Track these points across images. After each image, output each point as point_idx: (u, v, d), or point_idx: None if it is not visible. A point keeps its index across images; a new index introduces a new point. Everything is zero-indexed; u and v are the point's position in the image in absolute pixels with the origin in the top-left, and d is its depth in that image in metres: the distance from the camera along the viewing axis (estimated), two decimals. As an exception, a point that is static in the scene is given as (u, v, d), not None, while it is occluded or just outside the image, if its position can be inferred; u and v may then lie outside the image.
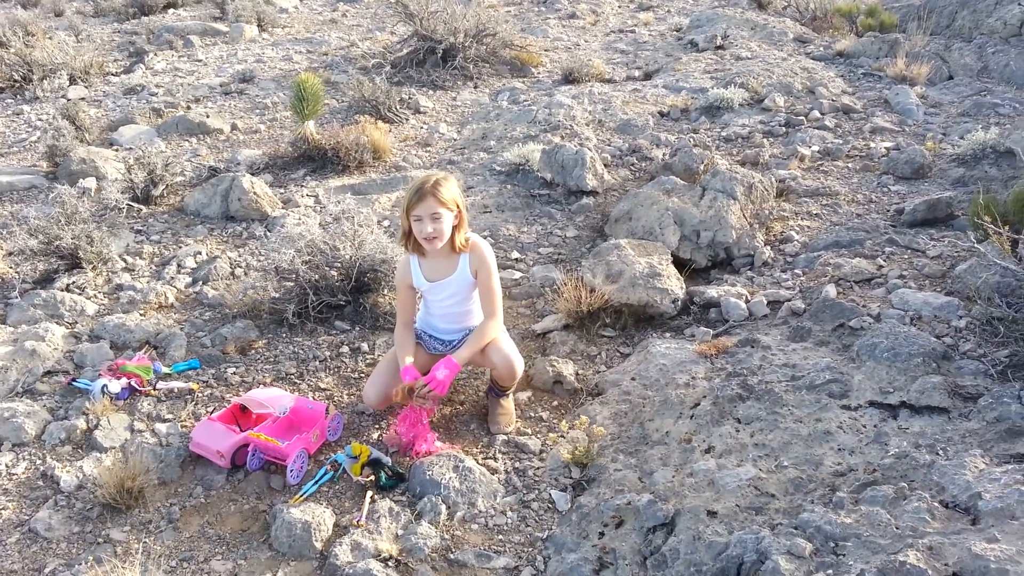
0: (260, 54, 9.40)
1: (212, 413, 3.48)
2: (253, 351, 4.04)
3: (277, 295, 4.33)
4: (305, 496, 3.07)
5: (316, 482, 3.14)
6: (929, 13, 9.13)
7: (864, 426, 2.95)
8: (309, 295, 4.17)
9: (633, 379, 3.65)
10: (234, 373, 3.86)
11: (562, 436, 3.38)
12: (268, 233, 5.11)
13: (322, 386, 3.79)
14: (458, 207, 3.26)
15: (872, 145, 6.03)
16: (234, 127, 7.14)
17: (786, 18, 10.31)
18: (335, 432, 3.43)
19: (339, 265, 4.27)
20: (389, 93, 7.23)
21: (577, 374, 3.83)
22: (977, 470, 2.52)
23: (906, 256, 4.26)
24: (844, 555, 2.27)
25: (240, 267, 4.81)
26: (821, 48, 8.93)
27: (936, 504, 2.41)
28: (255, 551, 2.87)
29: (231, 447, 3.19)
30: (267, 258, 4.58)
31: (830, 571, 2.21)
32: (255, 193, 5.41)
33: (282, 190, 5.81)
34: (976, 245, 3.60)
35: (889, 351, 3.26)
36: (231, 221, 5.40)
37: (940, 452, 2.71)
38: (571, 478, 3.18)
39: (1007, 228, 3.42)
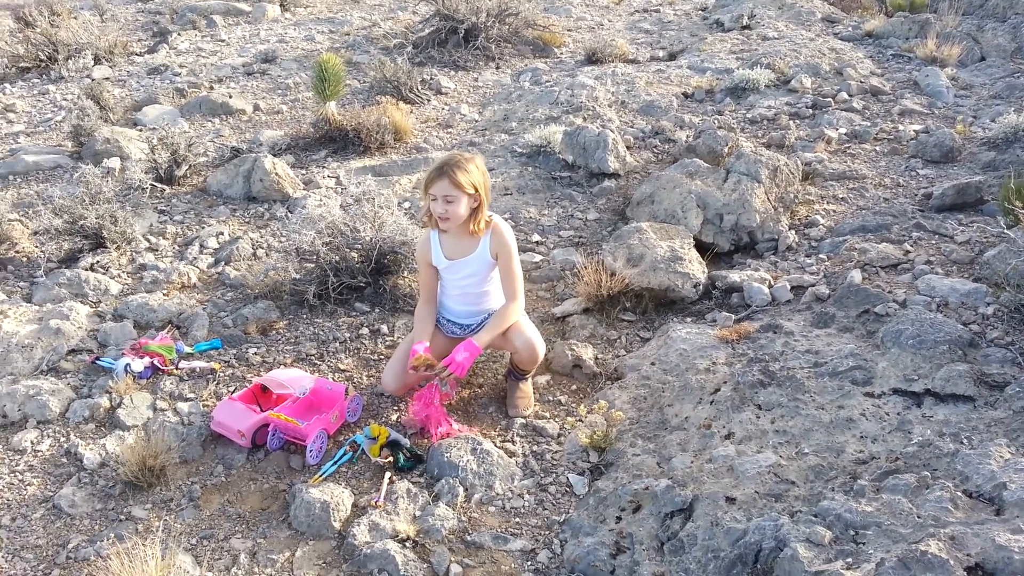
0: (282, 34, 9.39)
1: (233, 393, 3.51)
2: (274, 332, 4.07)
3: (298, 276, 4.34)
4: (324, 476, 3.09)
5: (335, 463, 3.16)
6: (962, -8, 8.91)
7: (887, 414, 2.91)
8: (330, 276, 4.18)
9: (653, 364, 3.63)
10: (255, 353, 3.89)
11: (580, 420, 3.38)
12: (289, 214, 5.12)
13: (342, 367, 3.81)
14: (476, 190, 3.20)
15: (900, 128, 5.92)
16: (256, 108, 7.15)
17: (814, -3, 10.11)
18: (354, 413, 3.45)
19: (359, 247, 4.27)
20: (411, 74, 7.20)
21: (596, 358, 3.81)
22: (1002, 460, 2.48)
23: (934, 241, 4.18)
24: (864, 543, 2.25)
25: (262, 248, 4.83)
26: (849, 28, 8.75)
27: (959, 494, 2.38)
28: (274, 530, 2.90)
29: (252, 427, 3.22)
30: (288, 239, 4.60)
31: (849, 559, 2.19)
32: (277, 174, 5.43)
33: (303, 171, 5.82)
34: (1006, 231, 3.53)
35: (914, 338, 3.20)
36: (253, 202, 5.42)
37: (964, 441, 2.67)
38: (589, 462, 3.17)
39: (1039, 213, 3.35)
